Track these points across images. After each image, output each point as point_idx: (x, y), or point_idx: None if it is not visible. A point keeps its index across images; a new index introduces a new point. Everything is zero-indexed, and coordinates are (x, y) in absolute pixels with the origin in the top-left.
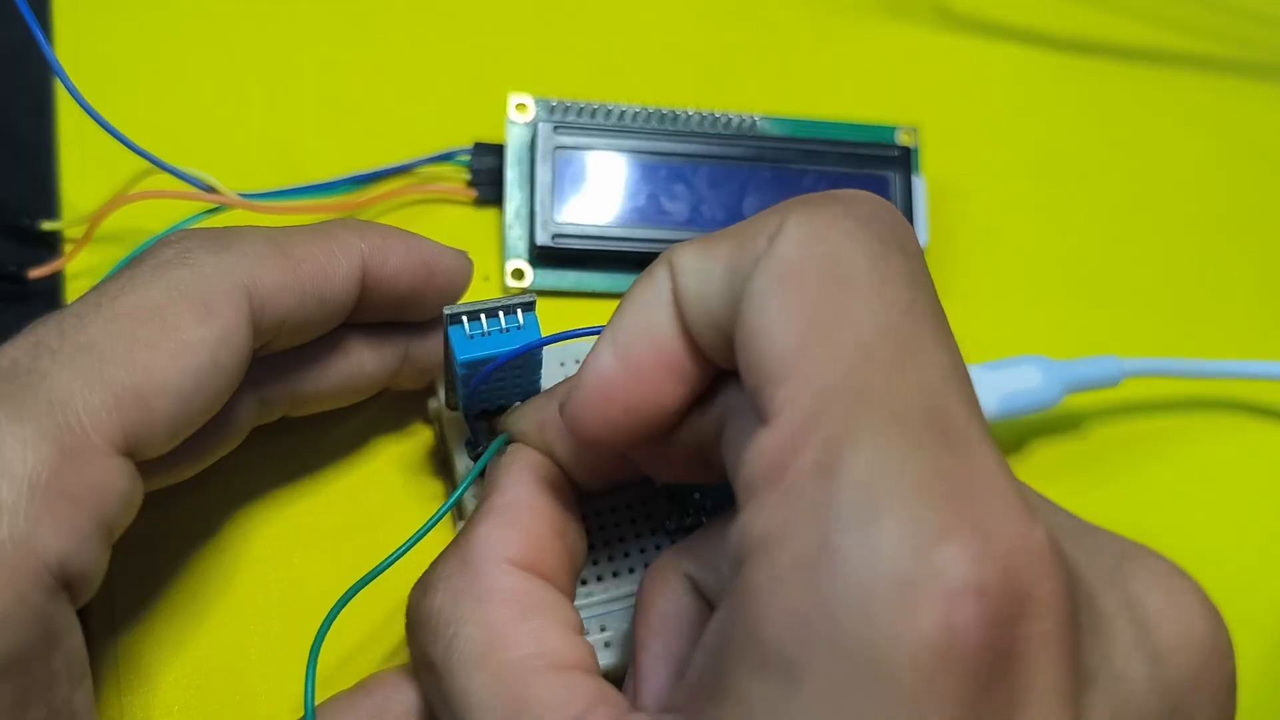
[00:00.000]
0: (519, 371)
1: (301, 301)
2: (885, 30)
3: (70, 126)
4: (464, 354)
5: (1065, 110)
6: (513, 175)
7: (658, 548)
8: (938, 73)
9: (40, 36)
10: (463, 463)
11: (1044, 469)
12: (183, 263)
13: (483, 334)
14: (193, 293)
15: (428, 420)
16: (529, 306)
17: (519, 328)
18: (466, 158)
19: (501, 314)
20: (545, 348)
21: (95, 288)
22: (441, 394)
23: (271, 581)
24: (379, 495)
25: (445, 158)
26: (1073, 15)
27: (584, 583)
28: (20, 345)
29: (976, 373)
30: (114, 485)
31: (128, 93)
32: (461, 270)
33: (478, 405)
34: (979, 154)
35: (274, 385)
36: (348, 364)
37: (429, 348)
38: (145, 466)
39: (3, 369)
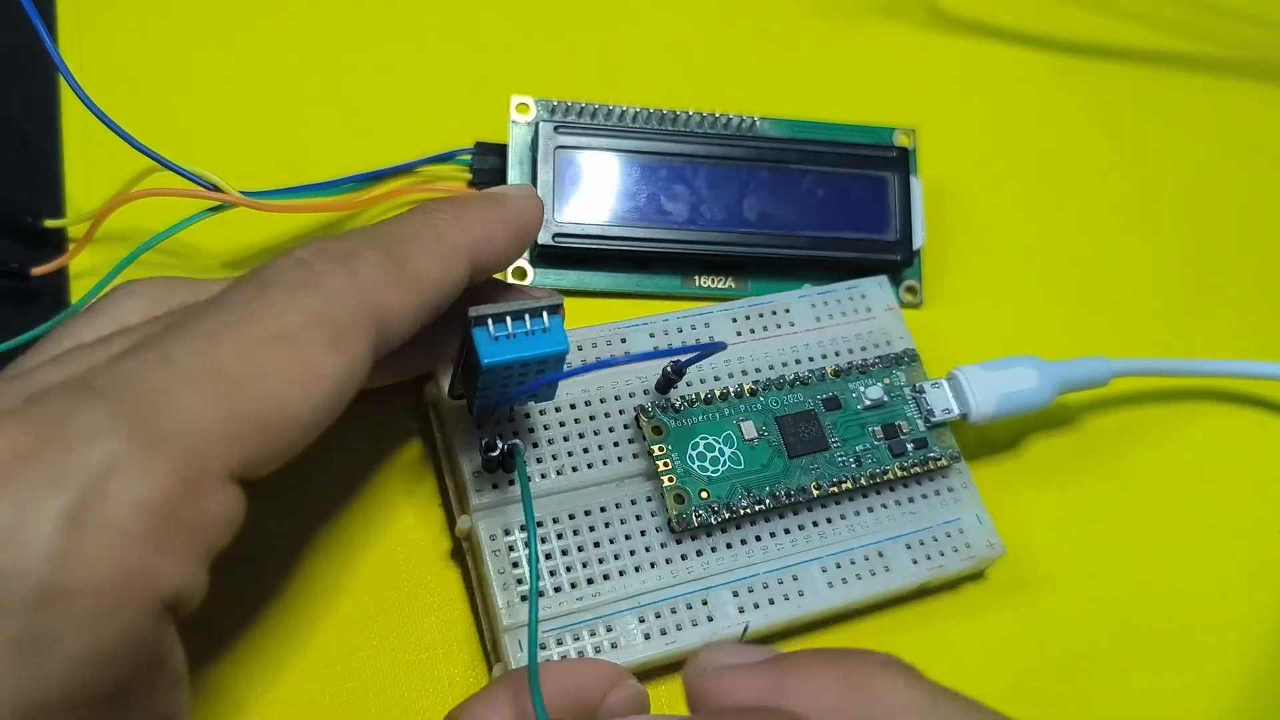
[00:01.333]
0: (539, 378)
1: (418, 319)
2: (882, 33)
3: (74, 124)
4: (488, 356)
5: (1060, 111)
6: (514, 175)
7: (662, 545)
8: (935, 75)
9: (44, 34)
10: (468, 458)
11: (1039, 464)
12: (315, 285)
13: (507, 336)
14: (326, 320)
15: (420, 413)
16: (555, 310)
17: (544, 330)
18: (468, 158)
19: (527, 317)
20: (564, 340)
21: (224, 300)
22: (445, 383)
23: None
24: (375, 490)
25: (447, 157)
26: (1067, 17)
27: (590, 582)
28: (149, 358)
29: (975, 372)
30: (228, 514)
31: (131, 91)
32: (538, 220)
33: (492, 407)
34: (975, 155)
35: None
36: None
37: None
38: None
39: (132, 382)
